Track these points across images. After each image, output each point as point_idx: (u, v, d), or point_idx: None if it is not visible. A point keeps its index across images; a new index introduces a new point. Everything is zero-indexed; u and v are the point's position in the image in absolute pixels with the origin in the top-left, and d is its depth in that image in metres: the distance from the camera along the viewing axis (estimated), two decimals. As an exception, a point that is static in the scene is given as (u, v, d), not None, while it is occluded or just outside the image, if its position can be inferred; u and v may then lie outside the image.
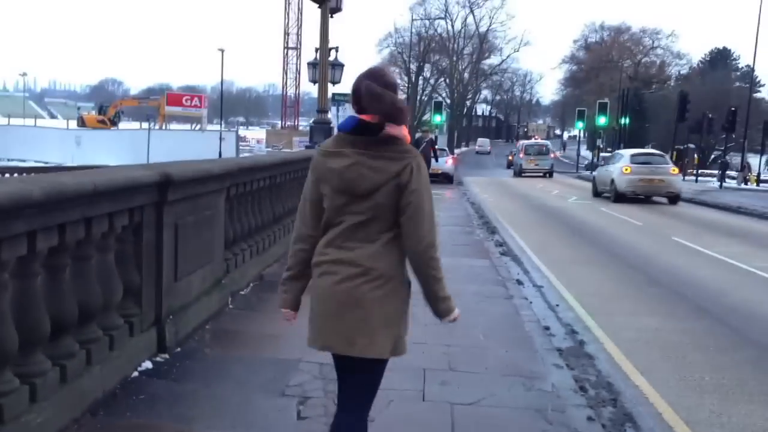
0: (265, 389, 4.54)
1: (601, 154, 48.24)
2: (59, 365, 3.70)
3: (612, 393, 5.05)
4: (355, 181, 2.73)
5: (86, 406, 3.94)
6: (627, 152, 24.80)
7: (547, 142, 46.02)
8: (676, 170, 24.28)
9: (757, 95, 57.51)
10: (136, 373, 4.58)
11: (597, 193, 24.36)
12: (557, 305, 7.82)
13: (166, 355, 4.95)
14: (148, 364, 4.74)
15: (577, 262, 10.89)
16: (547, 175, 38.24)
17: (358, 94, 2.81)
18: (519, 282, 8.69)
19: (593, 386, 5.12)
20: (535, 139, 62.84)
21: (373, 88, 2.77)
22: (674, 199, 22.36)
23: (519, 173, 39.01)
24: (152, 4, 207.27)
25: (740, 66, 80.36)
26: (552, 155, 41.85)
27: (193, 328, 5.50)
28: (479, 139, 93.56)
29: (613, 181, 22.35)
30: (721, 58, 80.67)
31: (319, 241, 2.88)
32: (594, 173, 27.41)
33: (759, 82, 66.72)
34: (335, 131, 18.99)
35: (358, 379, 2.93)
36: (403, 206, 2.74)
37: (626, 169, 22.00)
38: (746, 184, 40.71)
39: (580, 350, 6.08)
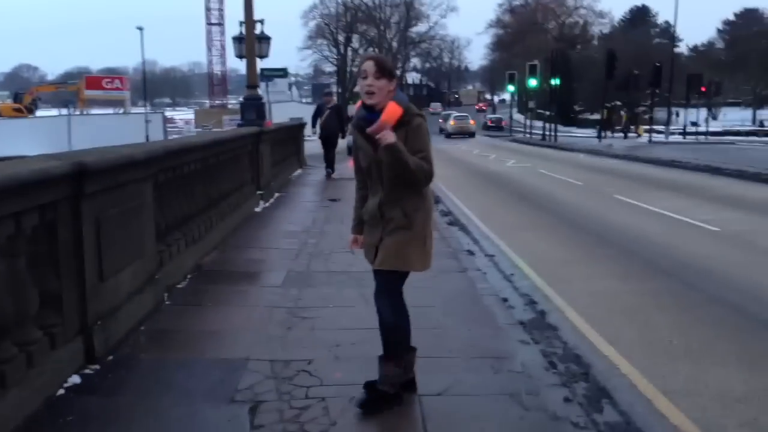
0: (212, 396, 4.06)
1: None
2: (-35, 395, 3.16)
3: (582, 366, 4.78)
4: None
5: (4, 436, 3.41)
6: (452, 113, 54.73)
7: (467, 114, 56.35)
8: (473, 122, 52.56)
9: (676, 50, 58.87)
10: (62, 391, 4.04)
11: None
12: (512, 274, 7.55)
13: (97, 366, 4.41)
14: (75, 379, 4.20)
15: (525, 228, 10.70)
16: (469, 135, 49.35)
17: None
18: (470, 252, 8.40)
19: (562, 360, 4.85)
20: (440, 110, 79.71)
21: None
22: (472, 135, 48.38)
23: (448, 136, 49.37)
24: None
25: (659, 23, 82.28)
26: (472, 122, 53.23)
27: (125, 331, 4.96)
28: (432, 104, 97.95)
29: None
30: (640, 16, 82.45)
31: None
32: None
33: (678, 37, 68.34)
34: (267, 107, 18.27)
35: None
36: None
37: (452, 122, 50.73)
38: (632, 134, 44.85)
39: (543, 321, 5.82)
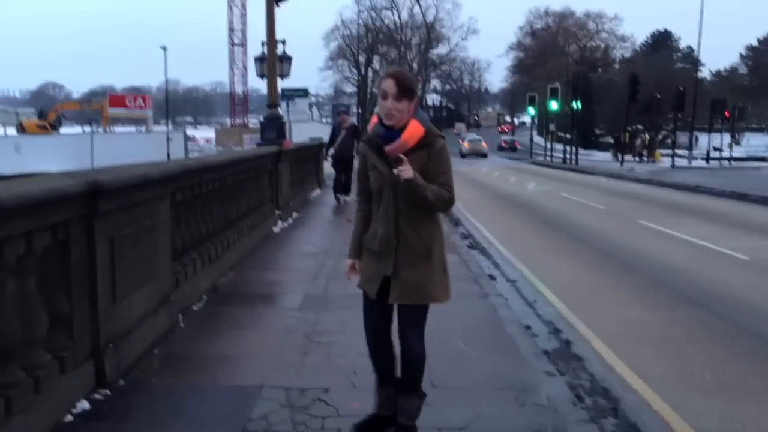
0: (224, 425, 3.90)
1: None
2: (-34, 422, 3.03)
3: (610, 401, 4.56)
4: None
5: (7, 465, 3.27)
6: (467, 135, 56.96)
7: (480, 138, 58.79)
8: (485, 144, 55.12)
9: (699, 75, 58.44)
10: (70, 417, 3.90)
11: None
12: (535, 301, 7.35)
13: (107, 391, 4.27)
14: (84, 405, 4.06)
15: (547, 252, 10.48)
16: (482, 156, 52.23)
17: None
18: (492, 277, 8.20)
19: (589, 393, 4.64)
20: (465, 131, 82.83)
21: None
22: (485, 155, 51.57)
23: (463, 156, 51.38)
24: (90, 4, 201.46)
25: (681, 47, 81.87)
26: (484, 144, 55.76)
27: (138, 355, 4.83)
28: (457, 124, 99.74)
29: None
30: (662, 40, 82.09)
31: None
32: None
33: (700, 62, 67.88)
34: (287, 127, 18.24)
35: None
36: None
37: (467, 144, 54.18)
38: (645, 159, 44.20)
39: (568, 351, 5.60)
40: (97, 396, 4.19)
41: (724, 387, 4.88)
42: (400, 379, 3.70)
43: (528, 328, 6.07)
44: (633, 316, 6.74)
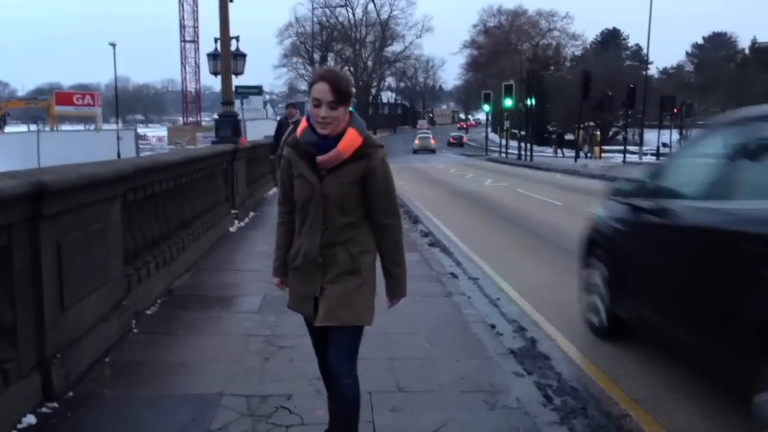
0: (182, 438, 3.71)
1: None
2: None
3: (579, 400, 4.49)
4: None
5: (-56, 490, 3.02)
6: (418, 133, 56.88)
7: (429, 135, 62.25)
8: (434, 141, 58.51)
9: (648, 72, 59.60)
10: (15, 433, 3.66)
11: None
12: (498, 299, 7.28)
13: (55, 404, 4.02)
14: (30, 419, 3.80)
15: (509, 248, 10.46)
16: (431, 152, 55.66)
17: None
18: (453, 275, 8.11)
19: (557, 393, 4.56)
20: (426, 128, 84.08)
21: None
22: (433, 151, 54.93)
23: (414, 152, 55.07)
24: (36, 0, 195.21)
25: (630, 45, 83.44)
26: (433, 141, 59.09)
27: (88, 364, 4.58)
28: (419, 121, 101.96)
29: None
30: (612, 39, 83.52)
31: None
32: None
33: (648, 59, 69.39)
34: (242, 125, 17.85)
35: None
36: None
37: (417, 141, 56.96)
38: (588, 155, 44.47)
39: (534, 350, 5.53)
40: (44, 410, 3.95)
41: (687, 377, 4.85)
42: (330, 421, 3.31)
43: (493, 327, 5.99)
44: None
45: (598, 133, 57.53)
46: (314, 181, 3.02)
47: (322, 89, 2.91)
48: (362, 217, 3.09)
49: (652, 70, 71.49)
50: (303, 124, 3.05)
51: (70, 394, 4.20)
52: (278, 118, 18.52)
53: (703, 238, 4.17)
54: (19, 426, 3.72)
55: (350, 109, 3.03)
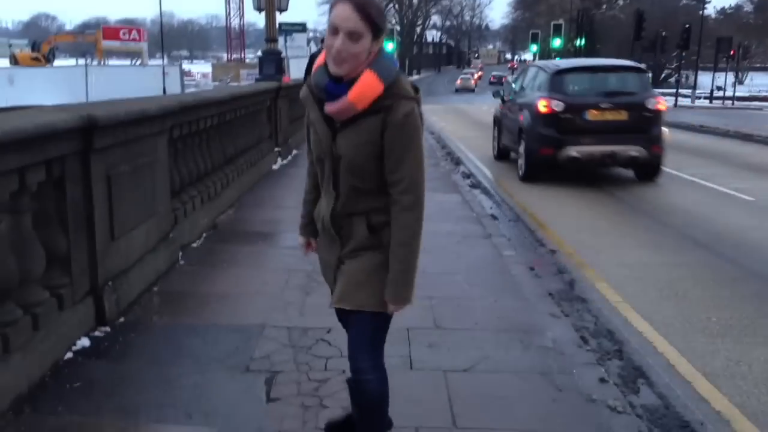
0: (226, 365, 3.86)
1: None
2: (-36, 361, 2.96)
3: (615, 342, 4.53)
4: None
5: (7, 404, 3.22)
6: (461, 73, 46.87)
7: (470, 75, 66.44)
8: (474, 81, 60.14)
9: (704, 12, 57.22)
10: (70, 354, 3.86)
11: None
12: (538, 241, 7.27)
13: (107, 328, 4.22)
14: (85, 342, 4.01)
15: (548, 193, 10.36)
16: (470, 91, 57.18)
17: None
18: (494, 217, 8.11)
19: (593, 335, 4.60)
20: (479, 67, 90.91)
21: None
22: (472, 90, 56.56)
23: (455, 90, 57.21)
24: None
25: (688, -17, 79.91)
26: (473, 81, 62.99)
27: (137, 293, 4.76)
28: (474, 61, 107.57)
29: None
30: (668, -24, 79.96)
31: None
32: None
33: (707, -1, 66.51)
34: (286, 62, 17.83)
35: None
36: None
37: (459, 81, 57.42)
38: None
39: (572, 293, 5.55)
40: (97, 333, 4.15)
41: (729, 329, 4.85)
42: (352, 417, 2.82)
43: (532, 269, 6.00)
44: (637, 258, 6.68)
45: (650, 75, 55.84)
46: (325, 136, 2.44)
47: (342, 12, 2.25)
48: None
49: (709, 10, 68.63)
50: (320, 58, 2.42)
51: (121, 320, 4.39)
52: (312, 52, 17.90)
53: (516, 109, 11.65)
54: (74, 348, 3.92)
55: (383, 47, 2.38)
